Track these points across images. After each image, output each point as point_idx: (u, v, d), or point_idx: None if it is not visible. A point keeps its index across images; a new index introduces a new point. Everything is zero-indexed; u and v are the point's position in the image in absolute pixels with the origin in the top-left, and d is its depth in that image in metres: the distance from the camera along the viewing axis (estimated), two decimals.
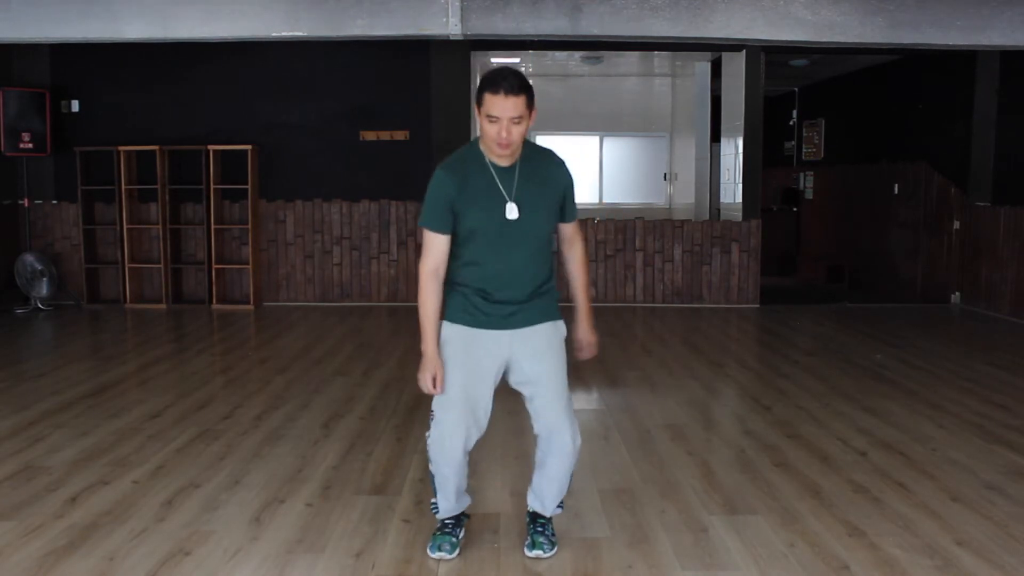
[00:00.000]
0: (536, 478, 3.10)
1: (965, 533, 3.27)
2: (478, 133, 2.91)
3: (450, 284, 2.95)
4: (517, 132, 2.78)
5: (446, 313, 2.96)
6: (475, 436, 2.96)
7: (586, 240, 9.03)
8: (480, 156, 2.89)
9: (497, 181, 2.86)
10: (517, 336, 2.93)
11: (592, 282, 9.15)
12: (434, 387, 2.90)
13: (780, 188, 13.50)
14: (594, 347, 3.14)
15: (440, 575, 2.95)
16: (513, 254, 2.88)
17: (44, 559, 3.03)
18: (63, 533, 3.24)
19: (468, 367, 2.91)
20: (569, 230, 3.08)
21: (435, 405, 2.95)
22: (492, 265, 2.88)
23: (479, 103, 2.79)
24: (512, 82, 2.74)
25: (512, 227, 2.86)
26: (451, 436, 2.91)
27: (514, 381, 3.00)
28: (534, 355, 2.95)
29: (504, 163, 2.88)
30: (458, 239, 2.90)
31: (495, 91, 2.74)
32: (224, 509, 3.49)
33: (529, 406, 3.01)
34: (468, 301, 2.92)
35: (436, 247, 2.89)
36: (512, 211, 2.84)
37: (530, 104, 2.79)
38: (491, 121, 2.76)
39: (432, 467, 3.02)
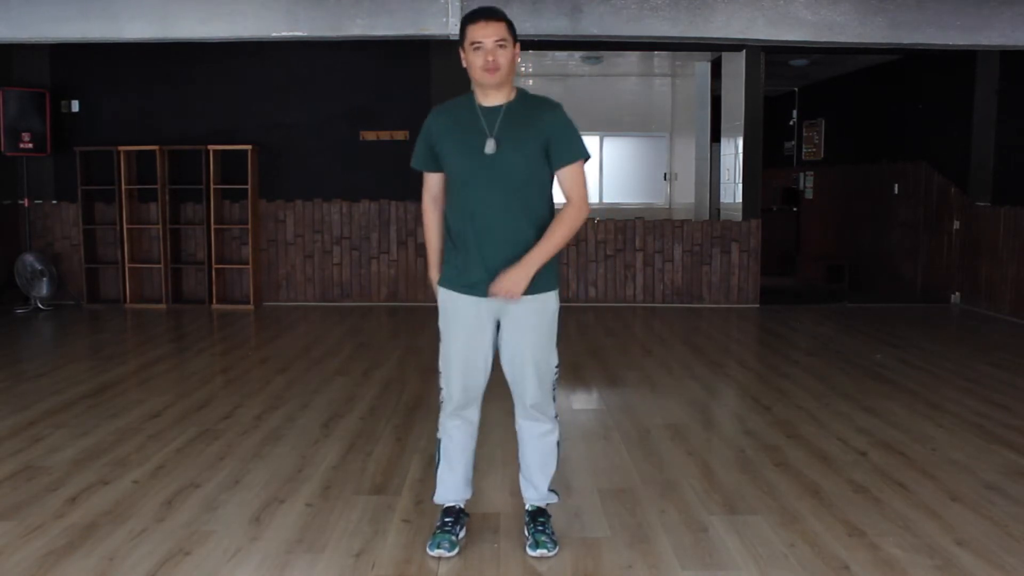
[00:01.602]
0: (519, 461, 3.16)
1: (965, 533, 3.27)
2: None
3: (447, 239, 3.00)
4: (504, 57, 2.82)
5: (442, 275, 3.02)
6: (477, 395, 3.03)
7: (584, 241, 9.03)
8: (471, 100, 2.94)
9: (481, 119, 2.88)
10: (499, 303, 2.92)
11: (592, 282, 9.15)
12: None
13: (780, 188, 13.50)
14: (507, 293, 2.83)
15: (440, 575, 2.95)
16: (489, 196, 2.85)
17: (44, 559, 3.03)
18: (63, 533, 3.24)
19: (462, 332, 2.97)
20: (565, 178, 2.93)
21: (440, 365, 3.05)
22: (469, 206, 2.87)
23: (462, 39, 2.87)
24: (491, 9, 2.86)
25: (489, 164, 2.84)
26: (456, 392, 3.00)
27: (499, 347, 3.03)
28: (515, 329, 2.95)
29: (493, 102, 2.89)
30: (446, 185, 2.99)
31: (475, 20, 2.84)
32: (224, 509, 3.49)
33: (507, 376, 3.06)
34: (457, 262, 2.93)
35: (428, 182, 3.06)
36: (490, 145, 2.84)
37: (513, 34, 2.86)
38: (476, 48, 2.81)
39: (439, 433, 3.10)
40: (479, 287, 2.90)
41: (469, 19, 2.85)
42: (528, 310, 2.93)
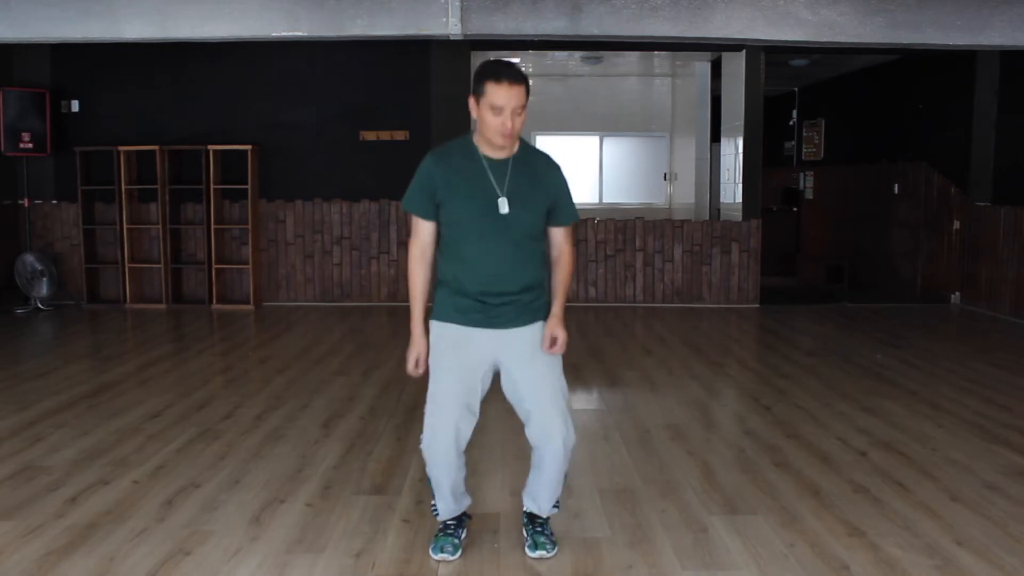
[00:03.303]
0: (530, 480, 3.10)
1: (965, 533, 3.27)
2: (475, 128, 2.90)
3: (439, 281, 2.96)
4: (519, 123, 2.80)
5: (434, 311, 2.97)
6: (466, 435, 2.93)
7: (584, 242, 9.04)
8: (472, 148, 2.89)
9: (489, 174, 2.85)
10: (504, 339, 2.91)
11: (592, 282, 9.15)
12: (416, 368, 2.93)
13: (780, 188, 13.50)
14: (562, 345, 2.96)
15: (440, 575, 2.95)
16: (498, 249, 2.85)
17: (44, 559, 3.03)
18: (63, 533, 3.24)
19: (456, 366, 2.90)
20: (560, 237, 3.00)
21: (428, 405, 2.95)
22: (476, 259, 2.86)
23: (479, 94, 2.77)
24: (514, 71, 2.77)
25: (499, 221, 2.83)
26: (442, 435, 2.89)
27: (503, 385, 2.98)
28: (522, 359, 2.93)
29: (498, 156, 2.87)
30: (443, 230, 2.91)
31: (499, 80, 2.74)
32: (224, 509, 3.49)
33: (518, 410, 2.99)
34: (455, 299, 2.91)
35: (420, 231, 2.94)
36: (504, 206, 2.83)
37: (527, 95, 2.80)
38: (495, 112, 2.75)
39: (427, 469, 3.01)
40: (484, 321, 2.90)
41: (492, 76, 2.75)
42: (531, 336, 2.94)
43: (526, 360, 2.93)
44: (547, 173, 2.94)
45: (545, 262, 3.01)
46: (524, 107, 2.78)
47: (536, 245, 2.95)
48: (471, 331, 2.90)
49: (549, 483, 3.04)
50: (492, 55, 9.86)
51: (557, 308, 2.99)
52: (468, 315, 2.90)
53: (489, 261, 2.86)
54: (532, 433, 2.97)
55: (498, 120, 2.76)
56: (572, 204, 3.01)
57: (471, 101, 2.83)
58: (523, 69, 12.28)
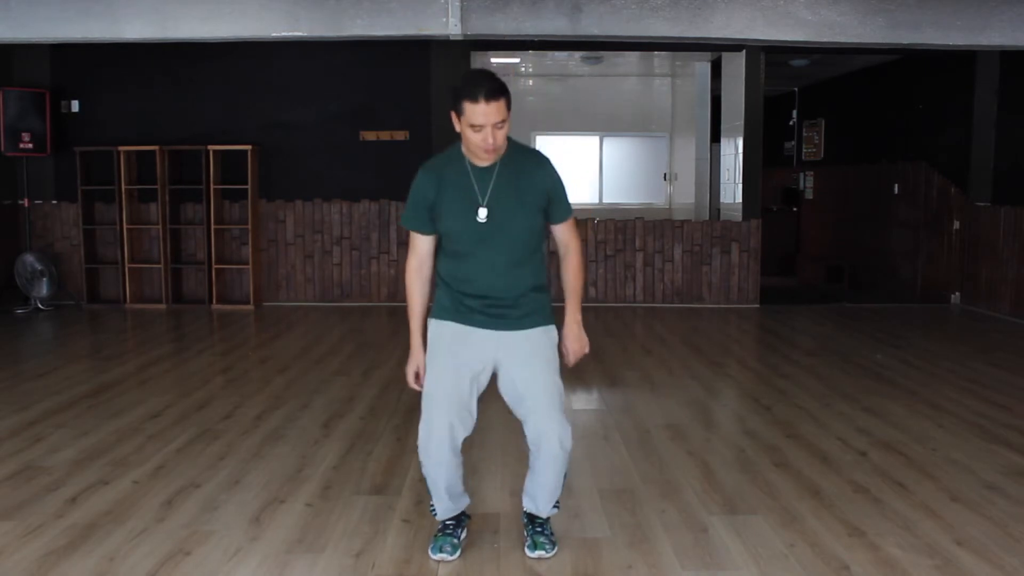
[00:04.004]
0: (528, 481, 3.10)
1: (965, 533, 3.27)
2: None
3: (438, 281, 2.97)
4: (501, 136, 2.78)
5: (433, 310, 2.98)
6: (461, 434, 2.92)
7: (584, 242, 9.03)
8: (461, 158, 2.89)
9: (473, 183, 2.85)
10: (504, 340, 2.91)
11: (592, 282, 9.15)
12: (416, 382, 2.95)
13: (780, 188, 13.50)
14: (581, 352, 3.05)
15: (440, 575, 2.95)
16: (492, 256, 2.86)
17: (44, 559, 3.03)
18: (63, 533, 3.24)
19: (454, 365, 2.90)
20: (562, 233, 3.02)
21: (423, 404, 2.94)
22: (472, 266, 2.88)
23: (458, 112, 2.75)
24: (491, 86, 2.71)
25: (486, 229, 2.84)
26: (437, 433, 2.88)
27: (501, 387, 2.97)
28: (520, 362, 2.93)
29: (484, 163, 2.86)
30: (442, 240, 2.93)
31: (475, 99, 2.70)
32: (224, 509, 3.49)
33: (517, 412, 2.98)
34: (454, 299, 2.92)
35: (418, 246, 2.95)
36: (482, 214, 2.83)
37: (509, 105, 2.77)
38: (475, 130, 2.73)
39: (423, 469, 3.01)
40: (483, 322, 2.91)
41: (467, 94, 2.70)
42: (529, 338, 2.94)
43: (524, 362, 2.93)
44: (537, 171, 2.92)
45: (544, 266, 2.99)
46: (506, 120, 2.75)
47: (533, 251, 2.94)
48: (470, 330, 2.91)
49: (546, 484, 3.03)
50: (492, 55, 9.89)
51: (574, 314, 3.02)
52: (468, 316, 2.91)
53: (484, 270, 2.87)
54: (529, 434, 2.97)
55: (479, 136, 2.75)
56: (567, 197, 2.98)
57: (452, 116, 2.79)
58: (523, 69, 12.23)
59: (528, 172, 2.91)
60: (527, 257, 2.92)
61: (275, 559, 3.04)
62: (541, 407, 2.92)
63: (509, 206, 2.85)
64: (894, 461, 4.10)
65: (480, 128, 2.73)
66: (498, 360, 2.94)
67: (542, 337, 2.96)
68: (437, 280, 2.98)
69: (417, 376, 2.96)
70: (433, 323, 2.96)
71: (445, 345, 2.92)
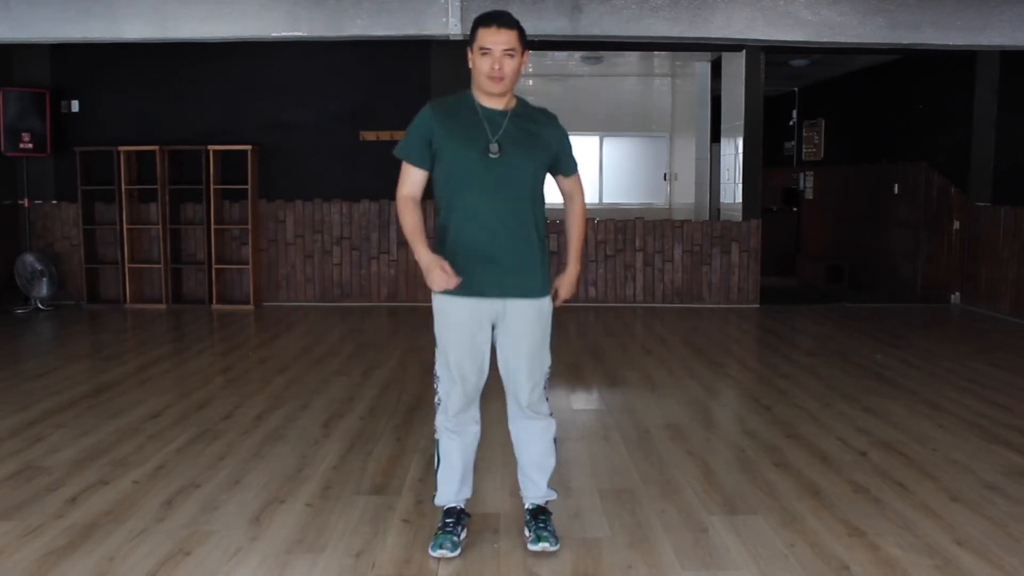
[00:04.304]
0: (518, 460, 3.17)
1: (965, 533, 3.27)
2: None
3: (435, 242, 2.96)
4: (510, 66, 2.82)
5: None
6: (478, 389, 3.02)
7: (585, 242, 9.03)
8: (471, 100, 2.92)
9: (483, 121, 2.88)
10: (499, 307, 2.94)
11: (592, 282, 9.15)
12: (446, 280, 2.83)
13: (780, 188, 13.50)
14: (569, 296, 3.10)
15: (440, 575, 2.95)
16: (494, 198, 2.86)
17: (44, 559, 3.03)
18: (63, 533, 3.24)
19: (462, 336, 2.95)
20: (567, 184, 3.09)
21: (436, 371, 3.02)
22: (475, 209, 2.86)
23: (471, 40, 2.85)
24: (506, 17, 2.83)
25: (493, 167, 2.84)
26: (456, 398, 2.98)
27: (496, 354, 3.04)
28: (511, 333, 2.97)
29: (494, 105, 2.89)
30: (441, 186, 2.91)
31: (488, 24, 2.81)
32: (224, 509, 3.49)
33: (501, 373, 3.06)
34: (456, 264, 2.87)
35: (411, 178, 2.95)
36: (494, 148, 2.84)
37: (523, 43, 2.85)
38: (483, 53, 2.80)
39: (439, 444, 3.07)
40: (484, 288, 2.90)
41: (481, 22, 2.84)
42: (526, 314, 2.97)
43: (516, 335, 2.97)
44: (548, 125, 2.98)
45: (545, 223, 3.00)
46: (517, 52, 2.82)
47: (537, 201, 2.96)
48: (472, 302, 2.92)
49: (535, 455, 3.11)
50: None
51: (574, 263, 3.07)
52: (473, 282, 2.88)
53: (487, 211, 2.87)
54: (511, 405, 3.08)
55: (487, 62, 2.80)
56: (574, 156, 3.07)
57: (468, 53, 2.88)
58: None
59: (540, 124, 2.96)
60: (528, 207, 2.93)
61: (275, 559, 3.04)
62: (521, 384, 3.02)
63: (518, 147, 2.87)
64: (894, 461, 4.10)
65: (489, 52, 2.79)
66: (497, 321, 2.98)
67: (535, 311, 2.98)
68: (434, 247, 2.93)
69: (446, 275, 2.83)
70: (437, 298, 2.98)
71: (449, 317, 2.96)
